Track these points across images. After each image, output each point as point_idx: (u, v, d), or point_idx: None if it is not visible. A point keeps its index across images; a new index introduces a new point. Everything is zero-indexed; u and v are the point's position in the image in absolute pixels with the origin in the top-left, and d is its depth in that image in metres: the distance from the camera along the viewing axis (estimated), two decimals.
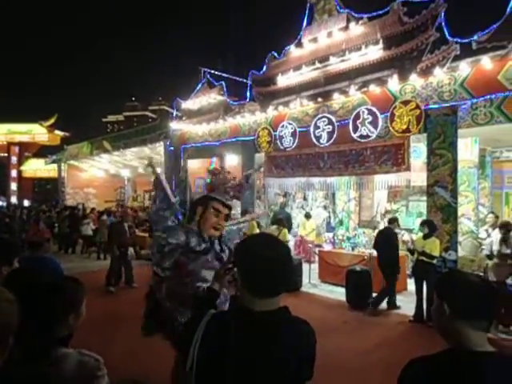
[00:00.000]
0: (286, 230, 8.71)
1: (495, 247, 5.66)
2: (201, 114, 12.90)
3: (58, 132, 31.24)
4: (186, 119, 13.51)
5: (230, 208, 2.90)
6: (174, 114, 14.13)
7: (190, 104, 13.44)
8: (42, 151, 31.17)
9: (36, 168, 30.35)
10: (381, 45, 8.53)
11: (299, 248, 10.55)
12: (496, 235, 5.88)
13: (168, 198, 3.03)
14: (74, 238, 13.24)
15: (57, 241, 13.43)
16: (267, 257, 1.30)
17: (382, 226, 9.86)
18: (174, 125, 13.19)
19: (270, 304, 1.30)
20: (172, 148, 13.30)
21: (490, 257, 5.85)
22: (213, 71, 13.84)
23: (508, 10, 6.13)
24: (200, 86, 13.42)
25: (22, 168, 30.86)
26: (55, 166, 23.65)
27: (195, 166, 13.28)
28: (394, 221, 6.88)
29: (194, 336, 1.29)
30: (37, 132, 30.79)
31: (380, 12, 8.77)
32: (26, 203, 28.37)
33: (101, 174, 22.33)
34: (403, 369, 1.29)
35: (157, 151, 15.00)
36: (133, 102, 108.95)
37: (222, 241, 2.97)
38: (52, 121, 31.14)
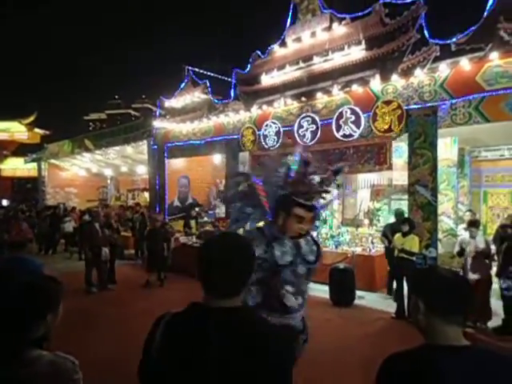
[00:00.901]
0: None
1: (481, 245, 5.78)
2: (185, 113, 12.82)
3: (37, 130, 30.47)
4: (169, 118, 13.39)
5: (315, 209, 2.67)
6: (158, 112, 13.98)
7: (174, 102, 13.33)
8: (21, 150, 30.32)
9: (15, 167, 29.53)
10: (363, 45, 8.63)
11: None
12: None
13: (262, 204, 2.80)
14: (56, 238, 13.00)
15: (37, 241, 13.15)
16: (216, 257, 1.30)
17: (365, 224, 10.04)
18: (158, 123, 13.07)
19: (227, 303, 1.28)
20: (155, 147, 13.17)
21: (460, 253, 5.99)
22: (197, 69, 13.76)
23: (485, 13, 6.28)
24: (184, 84, 13.33)
25: (1, 167, 30.00)
26: (35, 164, 23.13)
27: (179, 165, 13.21)
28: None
29: (154, 337, 1.28)
30: (16, 130, 29.94)
31: (362, 13, 8.87)
32: (5, 203, 27.66)
33: (82, 173, 21.94)
34: (381, 364, 1.31)
35: (140, 150, 14.83)
36: (116, 100, 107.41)
37: (312, 238, 2.81)
38: (32, 118, 30.36)
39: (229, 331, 1.22)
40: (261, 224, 2.86)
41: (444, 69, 6.59)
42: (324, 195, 2.79)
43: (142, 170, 17.11)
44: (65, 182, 22.09)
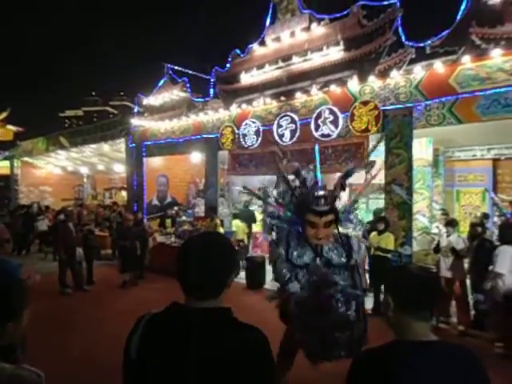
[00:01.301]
0: (217, 220, 8.89)
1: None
2: (163, 111, 12.67)
3: (10, 127, 29.39)
4: (148, 115, 13.21)
5: (330, 213, 2.81)
6: (136, 109, 13.77)
7: (153, 100, 13.16)
8: None
9: None
10: (341, 46, 8.74)
11: (261, 246, 10.62)
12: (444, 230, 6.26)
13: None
14: (30, 239, 12.63)
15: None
16: (196, 256, 1.29)
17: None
18: (136, 121, 12.86)
19: (206, 303, 1.27)
20: (133, 145, 12.96)
21: (436, 250, 6.20)
22: (176, 67, 13.62)
23: (458, 17, 6.46)
24: (162, 81, 13.17)
25: None
26: (7, 162, 22.37)
27: (158, 164, 13.05)
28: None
29: (133, 337, 1.27)
30: None
31: (340, 14, 8.97)
32: None
33: (57, 171, 21.36)
34: (351, 363, 1.34)
35: (117, 148, 14.56)
36: (93, 97, 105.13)
37: (340, 240, 2.98)
38: (4, 115, 29.32)
39: (209, 332, 1.21)
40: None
41: (419, 71, 6.74)
42: (336, 199, 2.98)
43: (120, 169, 16.81)
44: (39, 181, 21.46)
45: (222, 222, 9.80)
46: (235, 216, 10.63)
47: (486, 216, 7.51)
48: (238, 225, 10.01)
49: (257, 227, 10.44)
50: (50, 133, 18.99)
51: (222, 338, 1.21)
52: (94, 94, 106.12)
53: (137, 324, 1.31)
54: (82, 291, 7.79)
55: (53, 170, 21.46)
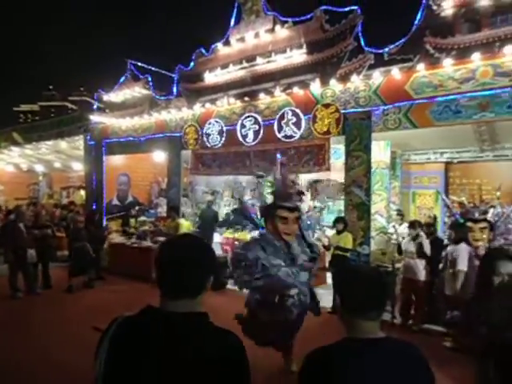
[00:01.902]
0: (179, 220, 8.82)
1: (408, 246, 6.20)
2: (124, 108, 12.35)
3: None
4: (108, 112, 12.81)
5: (297, 210, 3.04)
6: (96, 106, 13.31)
7: (113, 97, 12.79)
8: None
9: None
10: (304, 49, 8.89)
11: (226, 246, 10.60)
12: (403, 230, 6.51)
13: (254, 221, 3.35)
14: None
15: None
16: (175, 258, 1.29)
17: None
18: (96, 117, 12.43)
19: (183, 306, 1.26)
20: (93, 142, 12.53)
21: (399, 252, 6.45)
22: (139, 63, 13.30)
23: (414, 27, 6.76)
24: (124, 78, 12.82)
25: None
26: None
27: (119, 162, 12.67)
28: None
29: (104, 338, 1.26)
30: None
31: (304, 17, 9.13)
32: None
33: (10, 168, 20.23)
34: (304, 358, 1.37)
35: (76, 145, 13.99)
36: (50, 91, 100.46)
37: (304, 239, 3.19)
38: None
39: (185, 337, 1.19)
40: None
41: (377, 76, 6.98)
42: (301, 196, 3.20)
43: (78, 167, 16.16)
44: None
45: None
46: (199, 216, 10.54)
47: (434, 217, 8.15)
48: (182, 224, 9.85)
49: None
50: (3, 128, 17.97)
51: (198, 343, 1.19)
52: (51, 88, 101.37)
53: (109, 326, 1.29)
54: (34, 294, 7.43)
55: (5, 168, 20.29)
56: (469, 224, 5.18)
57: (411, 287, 5.96)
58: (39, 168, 19.14)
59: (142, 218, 11.21)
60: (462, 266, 4.95)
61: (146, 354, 1.18)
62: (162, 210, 11.71)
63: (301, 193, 3.23)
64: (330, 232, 7.80)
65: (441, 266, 5.56)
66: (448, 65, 6.13)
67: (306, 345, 4.68)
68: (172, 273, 1.28)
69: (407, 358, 1.34)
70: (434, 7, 7.57)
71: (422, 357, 1.37)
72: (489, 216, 5.29)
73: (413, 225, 6.20)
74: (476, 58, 5.89)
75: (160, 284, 1.30)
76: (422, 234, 6.02)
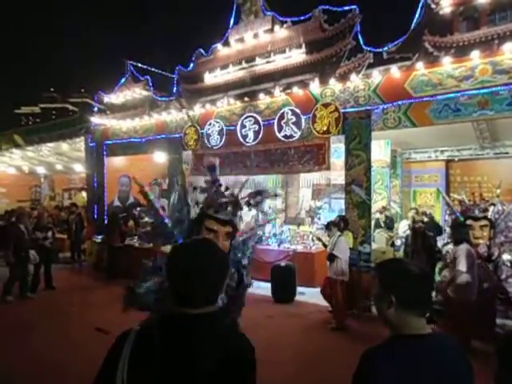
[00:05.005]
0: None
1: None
2: (125, 109, 12.38)
3: None
4: (109, 114, 12.84)
5: (230, 224, 2.33)
6: (96, 107, 13.35)
7: (114, 98, 12.82)
8: None
9: None
10: (303, 49, 8.90)
11: None
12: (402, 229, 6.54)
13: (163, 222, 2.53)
14: None
15: None
16: (194, 267, 1.24)
17: (307, 223, 10.37)
18: (96, 119, 12.46)
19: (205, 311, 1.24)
20: (94, 144, 12.56)
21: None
22: (139, 64, 13.33)
23: (412, 25, 6.77)
24: (124, 79, 12.86)
25: None
26: None
27: (120, 164, 12.70)
28: None
29: (122, 353, 1.17)
30: None
31: (303, 17, 9.13)
32: None
33: (12, 170, 20.29)
34: (361, 362, 1.32)
35: (77, 147, 14.03)
36: (51, 93, 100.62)
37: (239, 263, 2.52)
38: None
39: (213, 340, 1.19)
40: None
41: (376, 75, 6.99)
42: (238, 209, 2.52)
43: (80, 169, 16.19)
44: None
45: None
46: None
47: (424, 213, 8.22)
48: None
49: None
50: (4, 130, 18.03)
51: (224, 344, 1.20)
52: (52, 89, 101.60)
53: (119, 344, 1.19)
54: (26, 298, 7.39)
55: (6, 170, 20.36)
56: (469, 222, 5.18)
57: None
58: (41, 170, 19.18)
59: (145, 219, 11.22)
60: (462, 266, 4.95)
61: (185, 361, 1.15)
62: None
63: (237, 204, 2.51)
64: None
65: (440, 264, 5.57)
66: (447, 63, 6.14)
67: (309, 343, 4.63)
68: (196, 282, 1.22)
69: (452, 350, 1.37)
70: (433, 6, 7.58)
71: (460, 348, 1.41)
72: (489, 214, 5.29)
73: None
74: (475, 55, 5.89)
75: (179, 293, 1.24)
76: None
